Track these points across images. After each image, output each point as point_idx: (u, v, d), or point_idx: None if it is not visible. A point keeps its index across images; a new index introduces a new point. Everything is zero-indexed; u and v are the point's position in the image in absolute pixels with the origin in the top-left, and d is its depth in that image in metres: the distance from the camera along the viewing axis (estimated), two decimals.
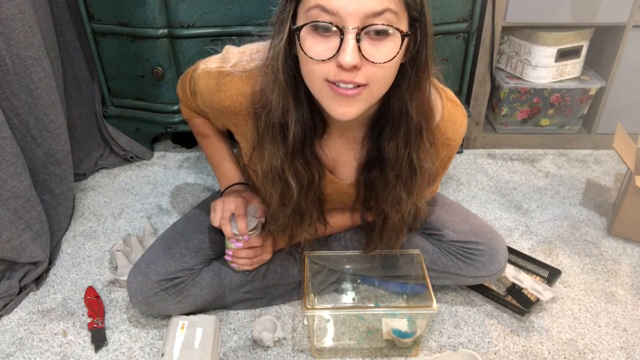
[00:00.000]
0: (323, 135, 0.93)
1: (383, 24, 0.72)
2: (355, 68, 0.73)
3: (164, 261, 1.07)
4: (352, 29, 0.71)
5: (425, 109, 0.86)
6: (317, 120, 0.89)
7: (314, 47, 0.74)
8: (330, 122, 0.91)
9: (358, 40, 0.71)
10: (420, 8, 0.76)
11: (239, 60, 0.93)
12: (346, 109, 0.77)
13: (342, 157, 0.98)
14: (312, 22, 0.73)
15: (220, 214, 1.03)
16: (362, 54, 0.72)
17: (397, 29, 0.73)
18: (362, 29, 0.71)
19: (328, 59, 0.73)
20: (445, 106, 0.92)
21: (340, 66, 0.72)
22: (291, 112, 0.84)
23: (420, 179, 0.91)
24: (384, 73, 0.76)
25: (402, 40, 0.75)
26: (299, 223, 1.00)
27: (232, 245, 1.07)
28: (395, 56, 0.75)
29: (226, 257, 1.09)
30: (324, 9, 0.71)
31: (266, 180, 0.93)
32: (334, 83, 0.75)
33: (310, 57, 0.74)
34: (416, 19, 0.77)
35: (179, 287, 1.07)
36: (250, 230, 1.04)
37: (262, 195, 1.04)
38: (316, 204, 0.99)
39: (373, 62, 0.73)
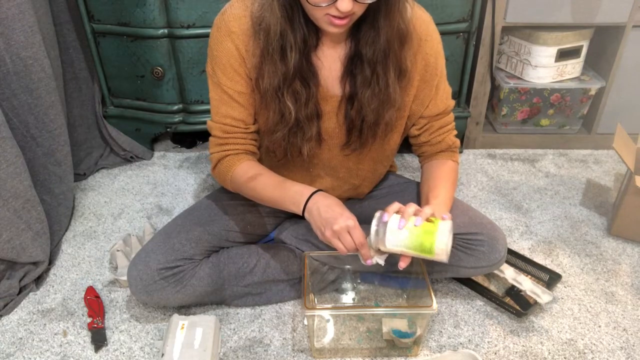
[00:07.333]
0: (317, 44, 1.01)
1: None
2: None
3: (164, 250, 1.09)
4: None
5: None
6: (311, 31, 0.97)
7: None
8: (323, 32, 0.99)
9: None
10: None
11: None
12: (339, 28, 0.90)
13: (333, 66, 1.03)
14: None
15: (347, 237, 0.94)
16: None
17: None
18: None
19: (326, 5, 0.85)
20: (413, 7, 1.01)
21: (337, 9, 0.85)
22: (289, 34, 0.92)
23: (394, 71, 0.99)
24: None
25: None
26: (296, 136, 1.04)
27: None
28: None
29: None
30: None
31: (265, 99, 1.00)
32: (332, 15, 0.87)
33: (312, 4, 0.86)
34: None
35: (179, 276, 1.08)
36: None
37: (264, 113, 1.06)
38: (314, 116, 1.03)
39: (363, 3, 0.87)
